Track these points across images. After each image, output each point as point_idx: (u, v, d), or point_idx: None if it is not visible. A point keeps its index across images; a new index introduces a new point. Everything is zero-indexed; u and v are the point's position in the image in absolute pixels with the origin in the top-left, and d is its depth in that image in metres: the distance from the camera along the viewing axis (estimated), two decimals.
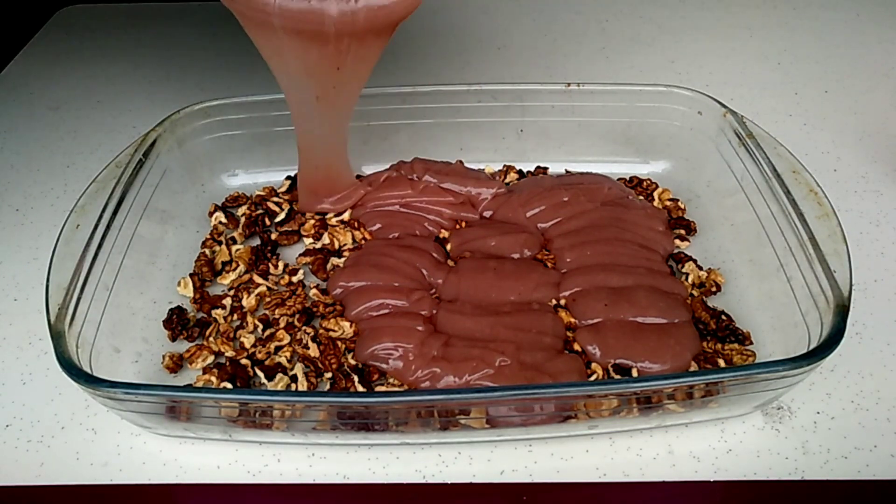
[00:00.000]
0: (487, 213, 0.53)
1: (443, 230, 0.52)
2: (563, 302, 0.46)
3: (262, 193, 0.55)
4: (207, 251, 0.51)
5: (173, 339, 0.46)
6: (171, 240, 0.51)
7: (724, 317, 0.45)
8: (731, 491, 0.38)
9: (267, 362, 0.44)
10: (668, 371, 0.42)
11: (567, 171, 0.57)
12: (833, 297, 0.38)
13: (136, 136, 0.50)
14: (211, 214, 0.54)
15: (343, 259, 0.50)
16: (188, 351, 0.44)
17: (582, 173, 0.56)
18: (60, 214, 0.47)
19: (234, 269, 0.49)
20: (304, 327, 0.45)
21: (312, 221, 0.53)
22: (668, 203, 0.53)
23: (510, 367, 0.41)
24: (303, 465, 0.39)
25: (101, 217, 0.43)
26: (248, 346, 0.45)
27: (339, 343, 0.44)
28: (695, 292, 0.47)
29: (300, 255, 0.51)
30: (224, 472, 0.39)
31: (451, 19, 0.76)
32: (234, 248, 0.51)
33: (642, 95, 0.54)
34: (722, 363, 0.42)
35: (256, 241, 0.52)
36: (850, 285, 0.38)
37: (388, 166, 0.55)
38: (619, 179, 0.55)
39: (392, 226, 0.52)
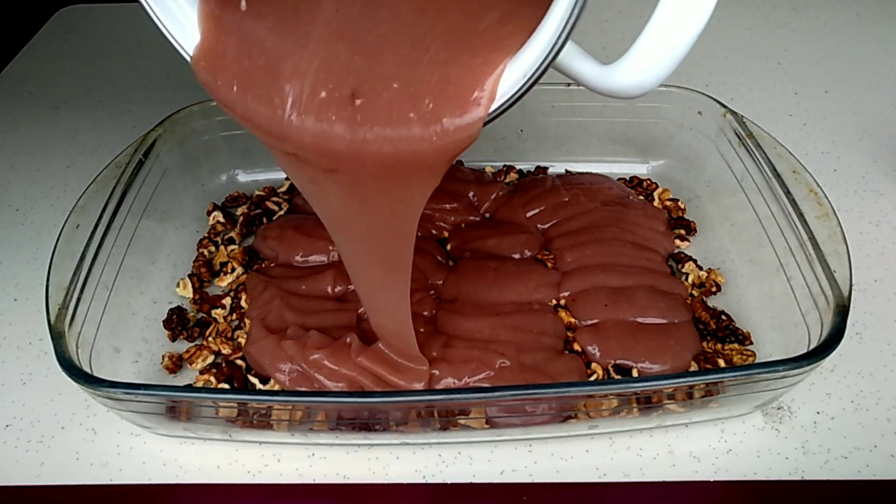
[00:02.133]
0: (488, 214, 0.53)
1: (443, 231, 0.52)
2: (563, 302, 0.46)
3: (262, 193, 0.55)
4: (206, 251, 0.51)
5: (173, 339, 0.46)
6: (170, 240, 0.51)
7: (724, 317, 0.45)
8: (731, 491, 0.38)
9: None
10: (668, 371, 0.42)
11: (567, 171, 0.56)
12: (833, 297, 0.38)
13: (136, 136, 0.50)
14: (209, 213, 0.54)
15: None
16: (188, 351, 0.44)
17: (582, 173, 0.56)
18: (60, 214, 0.47)
19: (232, 272, 0.49)
20: None
21: None
22: (668, 203, 0.53)
23: (510, 368, 0.41)
24: (303, 465, 0.39)
25: (101, 217, 0.43)
26: None
27: None
28: (695, 292, 0.47)
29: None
30: (224, 472, 0.39)
31: None
32: (229, 248, 0.51)
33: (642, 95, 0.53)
34: (722, 363, 0.42)
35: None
36: (850, 285, 0.38)
37: None
38: (619, 179, 0.55)
39: None
